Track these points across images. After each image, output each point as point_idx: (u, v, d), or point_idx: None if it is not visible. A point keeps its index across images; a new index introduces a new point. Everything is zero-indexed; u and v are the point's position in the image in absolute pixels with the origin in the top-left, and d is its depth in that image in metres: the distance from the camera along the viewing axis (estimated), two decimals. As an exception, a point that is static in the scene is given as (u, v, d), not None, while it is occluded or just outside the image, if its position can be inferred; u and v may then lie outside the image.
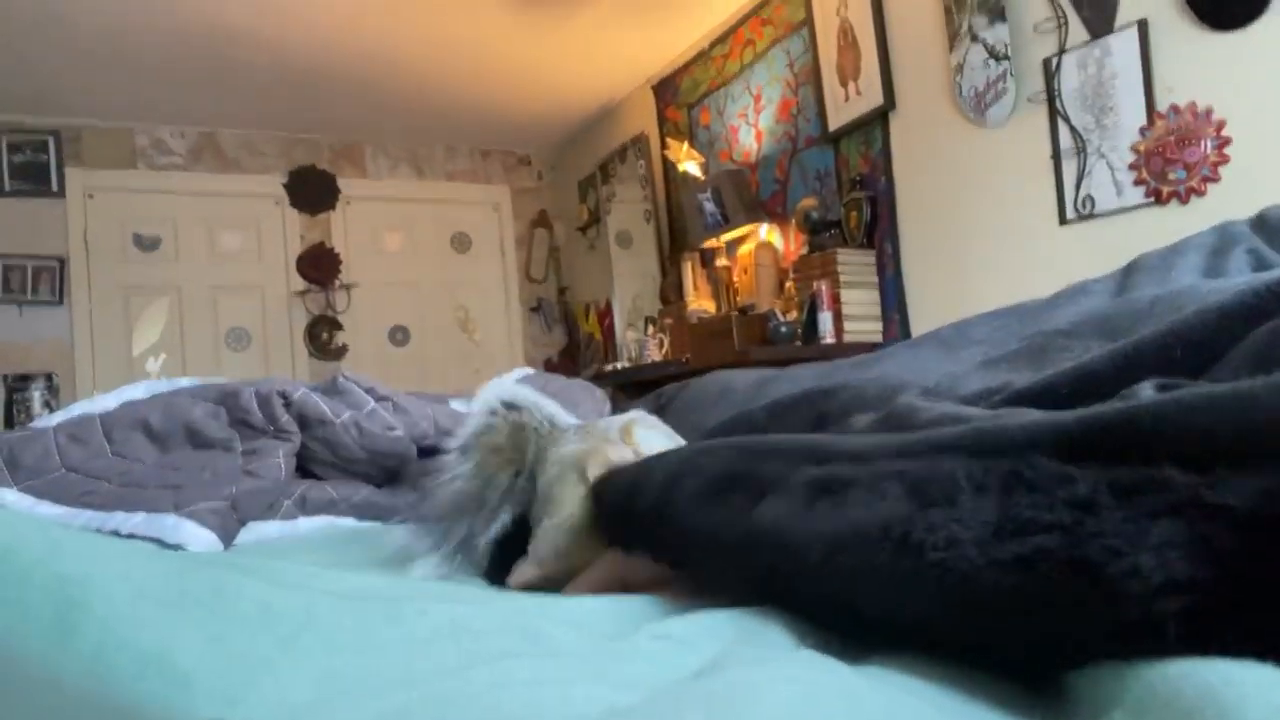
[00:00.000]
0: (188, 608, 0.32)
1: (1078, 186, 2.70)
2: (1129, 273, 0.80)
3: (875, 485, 0.46)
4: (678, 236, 4.75)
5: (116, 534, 1.14)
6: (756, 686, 0.24)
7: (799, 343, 3.39)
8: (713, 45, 4.36)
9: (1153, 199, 2.51)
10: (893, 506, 0.43)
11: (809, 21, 3.69)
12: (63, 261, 4.67)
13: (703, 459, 0.59)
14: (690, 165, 4.32)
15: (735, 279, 4.20)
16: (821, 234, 3.55)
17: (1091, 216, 2.67)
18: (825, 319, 3.32)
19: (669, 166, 4.65)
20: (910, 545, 0.40)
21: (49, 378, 4.58)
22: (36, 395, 4.52)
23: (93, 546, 0.32)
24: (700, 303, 4.35)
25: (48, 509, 1.20)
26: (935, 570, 0.38)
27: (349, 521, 1.34)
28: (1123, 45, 2.55)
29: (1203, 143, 2.39)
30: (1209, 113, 2.38)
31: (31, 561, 0.29)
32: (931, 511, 0.41)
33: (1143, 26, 2.50)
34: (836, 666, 0.34)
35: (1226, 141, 2.35)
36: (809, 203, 3.66)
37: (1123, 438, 0.39)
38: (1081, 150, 2.68)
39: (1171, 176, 2.46)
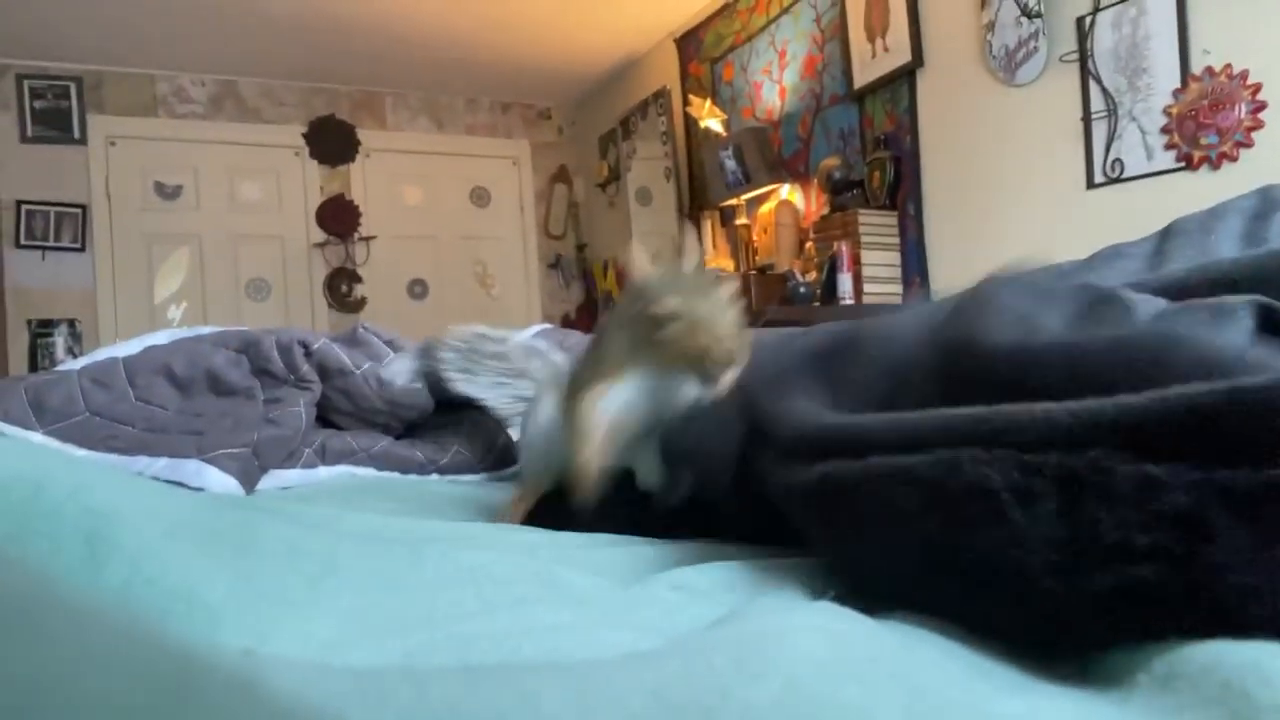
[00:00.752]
0: (216, 546, 0.32)
1: (1107, 149, 2.65)
2: (1166, 237, 0.78)
3: (886, 495, 0.38)
4: (698, 194, 4.71)
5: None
6: (782, 633, 0.24)
7: (817, 304, 3.37)
8: (738, -1, 4.29)
9: (1183, 164, 2.46)
10: (922, 528, 0.35)
11: (837, -25, 3.61)
12: (85, 208, 4.69)
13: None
14: (712, 122, 4.27)
15: (755, 238, 4.17)
16: (843, 194, 3.51)
17: (1120, 180, 2.63)
18: (845, 280, 3.29)
19: (690, 123, 4.60)
20: (969, 579, 0.33)
21: (72, 324, 4.63)
22: (60, 341, 4.57)
23: (122, 484, 0.32)
24: (719, 262, 4.32)
25: (72, 453, 1.22)
26: (1004, 601, 0.32)
27: (368, 471, 1.35)
28: (1159, 5, 2.49)
29: (1237, 107, 2.34)
30: (1244, 76, 2.32)
31: (63, 495, 0.29)
32: (977, 534, 0.33)
33: (1181, -15, 2.44)
34: (858, 617, 0.34)
35: (1262, 106, 2.30)
36: (831, 162, 3.61)
37: (1219, 426, 0.30)
38: (1112, 112, 2.63)
39: (1204, 141, 2.41)
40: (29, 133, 4.59)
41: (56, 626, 0.19)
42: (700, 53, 4.64)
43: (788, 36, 3.99)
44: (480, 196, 5.77)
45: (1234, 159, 2.35)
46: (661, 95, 4.95)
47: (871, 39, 3.47)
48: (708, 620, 0.38)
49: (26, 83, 4.59)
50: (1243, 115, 2.33)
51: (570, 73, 5.38)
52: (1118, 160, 2.62)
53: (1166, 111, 2.49)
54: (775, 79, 4.10)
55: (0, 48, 4.43)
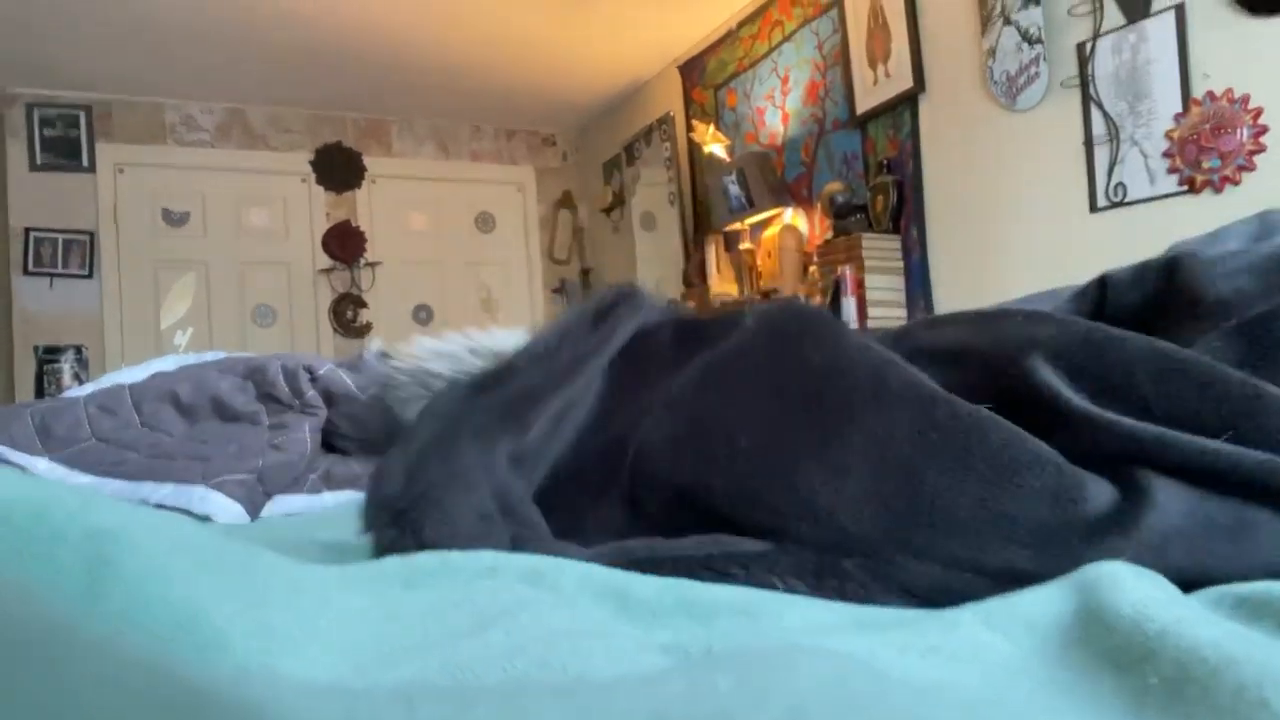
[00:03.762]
0: (220, 572, 0.32)
1: (1110, 174, 2.66)
2: (1166, 260, 0.79)
3: None
4: (701, 219, 4.73)
5: (145, 504, 1.16)
6: (789, 657, 0.24)
7: (822, 327, 3.37)
8: (741, 25, 4.33)
9: (1186, 187, 2.47)
10: None
11: (839, 2, 3.64)
12: (93, 235, 4.72)
13: None
14: (715, 147, 4.29)
15: (759, 262, 4.18)
16: (847, 218, 3.53)
17: (1123, 204, 2.63)
18: (849, 304, 3.29)
19: (694, 148, 4.62)
20: None
21: (79, 350, 4.64)
22: (66, 367, 4.58)
23: (126, 508, 0.32)
24: (723, 286, 4.33)
25: (78, 478, 1.22)
26: None
27: (372, 496, 1.35)
28: (1159, 30, 2.51)
29: (1238, 131, 2.35)
30: (1245, 100, 2.33)
31: (65, 517, 0.29)
32: None
33: (1180, 11, 2.45)
34: (861, 635, 0.34)
35: (1263, 130, 2.31)
36: (835, 186, 3.63)
37: None
38: (1114, 137, 2.64)
39: (1206, 165, 2.41)
40: (38, 161, 4.64)
41: (61, 651, 0.19)
42: (703, 79, 4.68)
43: (790, 63, 4.03)
44: (485, 222, 5.80)
45: (1236, 182, 2.36)
46: (665, 121, 4.98)
47: (873, 65, 3.50)
48: (707, 639, 0.37)
49: (36, 111, 4.64)
50: (1244, 139, 2.34)
51: (574, 99, 5.42)
52: (1120, 184, 2.63)
53: (1168, 135, 2.50)
54: (778, 105, 4.13)
55: (10, 77, 4.48)
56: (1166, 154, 2.51)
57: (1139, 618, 0.35)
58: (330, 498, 1.32)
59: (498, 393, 0.66)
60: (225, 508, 1.16)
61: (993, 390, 0.56)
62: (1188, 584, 0.44)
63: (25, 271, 4.56)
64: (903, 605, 0.45)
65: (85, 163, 4.74)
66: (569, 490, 0.63)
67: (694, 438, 0.60)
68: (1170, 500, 0.46)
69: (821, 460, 0.52)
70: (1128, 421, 0.50)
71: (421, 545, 0.51)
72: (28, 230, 4.57)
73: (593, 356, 0.71)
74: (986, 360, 0.60)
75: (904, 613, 0.43)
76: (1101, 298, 0.72)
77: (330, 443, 1.45)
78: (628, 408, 0.67)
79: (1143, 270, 0.71)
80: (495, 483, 0.57)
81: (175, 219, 4.98)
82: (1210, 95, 2.40)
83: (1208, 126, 2.41)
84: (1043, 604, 0.39)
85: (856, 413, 0.55)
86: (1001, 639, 0.36)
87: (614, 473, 0.62)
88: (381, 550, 0.53)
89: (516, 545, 0.52)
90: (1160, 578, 0.41)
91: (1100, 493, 0.47)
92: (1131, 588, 0.38)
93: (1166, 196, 2.52)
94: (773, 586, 0.46)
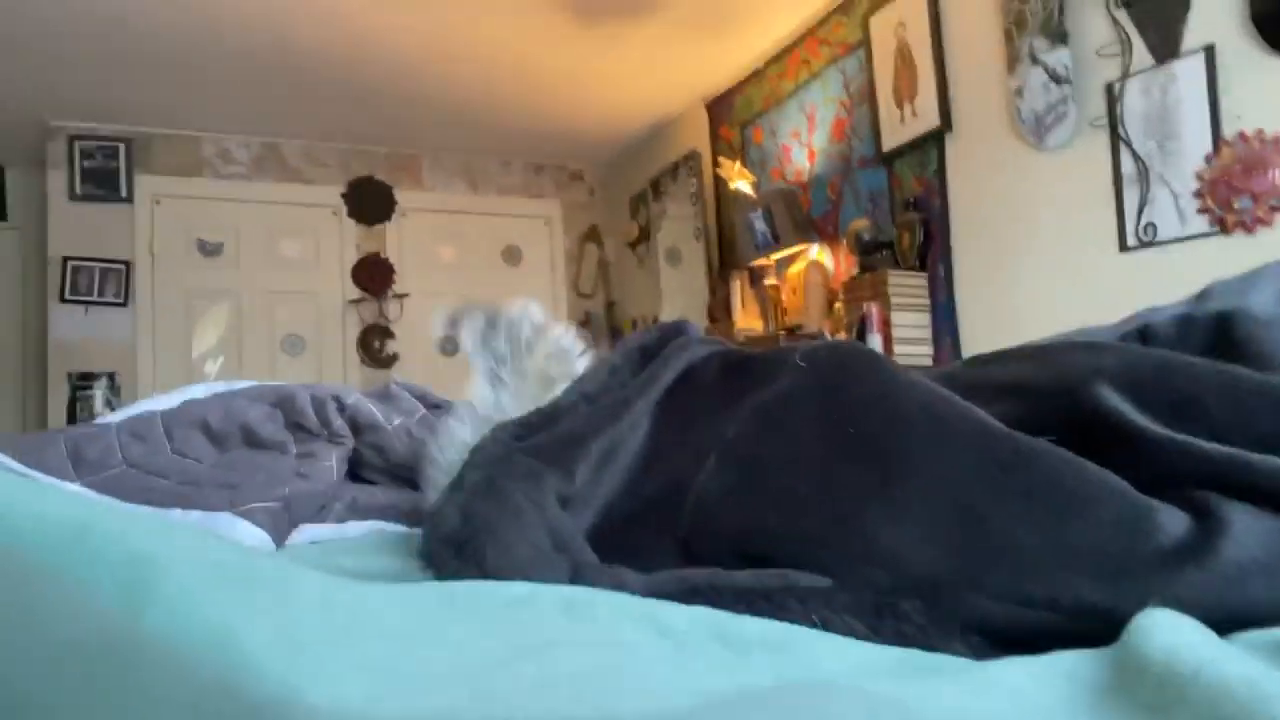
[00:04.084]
0: (254, 593, 0.32)
1: (1139, 213, 2.65)
2: (1201, 301, 0.77)
3: None
4: (727, 254, 4.75)
5: (173, 529, 1.16)
6: (818, 699, 0.24)
7: (848, 364, 3.35)
8: (768, 64, 4.37)
9: (1217, 228, 2.45)
10: None
11: (866, 42, 3.67)
12: (129, 265, 4.80)
13: None
14: (742, 184, 4.31)
15: (784, 298, 4.18)
16: (873, 255, 3.53)
17: (1153, 244, 2.61)
18: (874, 341, 3.28)
19: (720, 184, 4.65)
20: None
21: (111, 377, 4.71)
22: (99, 394, 4.65)
23: (165, 529, 0.33)
24: (748, 322, 4.33)
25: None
26: None
27: (399, 527, 1.35)
28: (1188, 70, 2.50)
29: (1270, 171, 2.33)
30: (1277, 141, 2.32)
31: (105, 539, 0.30)
32: None
33: (1209, 52, 2.45)
34: (898, 689, 0.33)
35: (1296, 170, 2.29)
36: (861, 223, 3.63)
37: None
38: (1144, 177, 2.63)
39: (1237, 205, 2.40)
40: (78, 191, 4.74)
41: (101, 678, 0.19)
42: (730, 116, 4.72)
43: (816, 101, 4.05)
44: (512, 255, 5.85)
45: (1268, 224, 2.34)
46: (692, 157, 5.02)
47: (900, 104, 3.52)
48: (744, 681, 0.37)
49: (77, 144, 4.75)
50: (1276, 180, 2.32)
51: (602, 135, 5.48)
52: (1150, 224, 2.62)
53: (1198, 176, 2.49)
54: (804, 142, 4.15)
55: (53, 110, 4.60)
56: (1197, 194, 2.49)
57: (1171, 661, 0.34)
58: (355, 527, 1.33)
59: (544, 436, 0.67)
60: (251, 535, 1.16)
61: (1055, 422, 0.55)
62: (1268, 620, 0.42)
63: (61, 299, 4.65)
64: (963, 647, 0.44)
65: (124, 194, 4.84)
66: (623, 533, 0.63)
67: (752, 486, 0.60)
68: (1247, 529, 0.44)
69: (882, 503, 0.52)
70: (1201, 443, 0.49)
71: (484, 574, 0.51)
72: (65, 259, 4.67)
73: (639, 397, 0.71)
74: (1048, 392, 0.59)
75: (942, 659, 0.43)
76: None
77: (356, 472, 1.46)
78: (678, 449, 0.67)
79: (1187, 324, 0.70)
80: (547, 520, 0.57)
81: (209, 249, 5.07)
82: (1241, 136, 2.39)
83: (1239, 167, 2.39)
84: (1085, 659, 0.39)
85: (915, 453, 0.54)
86: (1040, 688, 0.36)
87: (670, 519, 0.61)
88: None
89: (575, 574, 0.52)
90: (1194, 622, 0.40)
91: (1173, 522, 0.45)
92: (1164, 633, 0.37)
93: (1197, 237, 2.50)
94: (829, 624, 0.45)
